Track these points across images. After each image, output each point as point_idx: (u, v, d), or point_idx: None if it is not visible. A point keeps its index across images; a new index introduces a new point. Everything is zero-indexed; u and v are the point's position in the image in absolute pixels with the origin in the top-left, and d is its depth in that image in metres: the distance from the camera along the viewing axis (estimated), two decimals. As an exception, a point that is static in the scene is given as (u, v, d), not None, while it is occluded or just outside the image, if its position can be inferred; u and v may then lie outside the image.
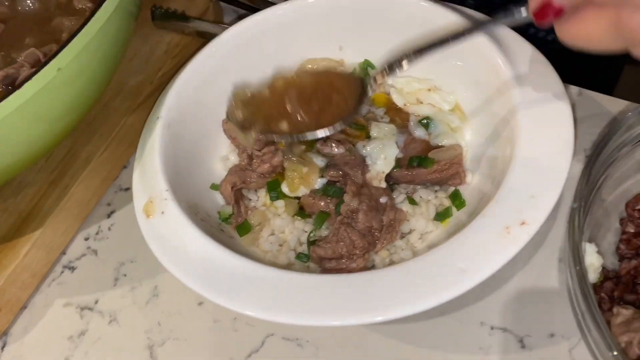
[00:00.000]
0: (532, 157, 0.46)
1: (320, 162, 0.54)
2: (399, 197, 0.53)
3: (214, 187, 0.57)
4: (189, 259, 0.46)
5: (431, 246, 0.50)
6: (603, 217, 0.51)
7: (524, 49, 0.53)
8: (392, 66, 0.48)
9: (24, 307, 0.56)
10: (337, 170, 0.52)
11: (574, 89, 0.60)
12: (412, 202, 0.53)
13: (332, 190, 0.52)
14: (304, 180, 0.53)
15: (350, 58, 0.62)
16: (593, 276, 0.47)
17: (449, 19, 0.54)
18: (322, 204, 0.52)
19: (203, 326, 0.52)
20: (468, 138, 0.56)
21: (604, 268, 0.47)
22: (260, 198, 0.56)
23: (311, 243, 0.52)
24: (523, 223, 0.43)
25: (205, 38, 0.66)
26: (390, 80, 0.59)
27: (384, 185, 0.53)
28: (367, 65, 0.61)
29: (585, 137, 0.56)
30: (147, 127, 0.54)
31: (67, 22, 0.68)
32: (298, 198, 0.54)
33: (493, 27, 0.50)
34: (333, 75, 0.54)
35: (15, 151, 0.49)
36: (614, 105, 0.58)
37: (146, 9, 0.67)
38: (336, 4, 0.59)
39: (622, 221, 0.51)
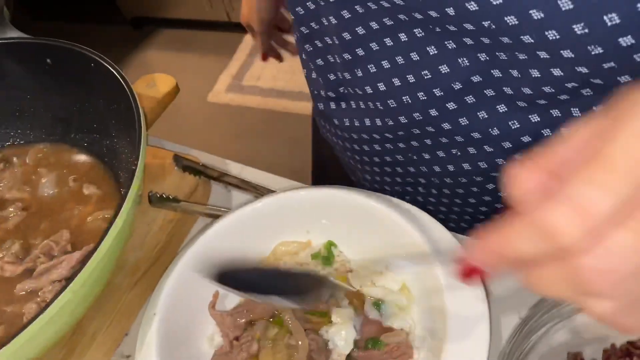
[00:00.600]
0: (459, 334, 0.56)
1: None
2: (360, 375, 0.62)
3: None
4: None
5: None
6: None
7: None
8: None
9: None
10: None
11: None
12: (371, 378, 0.62)
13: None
14: (277, 365, 0.62)
15: (317, 239, 0.74)
16: None
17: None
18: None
19: None
20: (415, 316, 0.66)
21: None
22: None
23: None
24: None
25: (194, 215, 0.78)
26: (349, 264, 0.70)
27: (345, 365, 0.62)
28: (330, 245, 0.72)
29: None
30: (145, 320, 0.64)
31: (77, 210, 0.79)
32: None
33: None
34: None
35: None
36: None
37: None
38: (305, 199, 0.71)
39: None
